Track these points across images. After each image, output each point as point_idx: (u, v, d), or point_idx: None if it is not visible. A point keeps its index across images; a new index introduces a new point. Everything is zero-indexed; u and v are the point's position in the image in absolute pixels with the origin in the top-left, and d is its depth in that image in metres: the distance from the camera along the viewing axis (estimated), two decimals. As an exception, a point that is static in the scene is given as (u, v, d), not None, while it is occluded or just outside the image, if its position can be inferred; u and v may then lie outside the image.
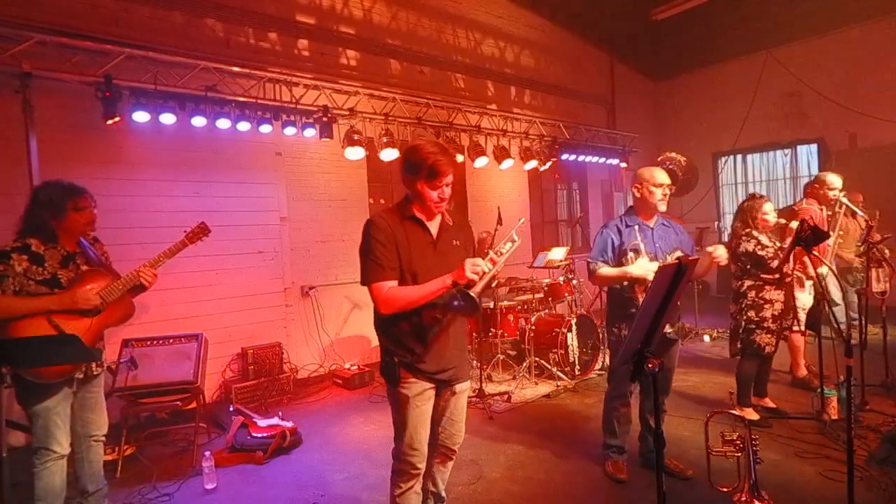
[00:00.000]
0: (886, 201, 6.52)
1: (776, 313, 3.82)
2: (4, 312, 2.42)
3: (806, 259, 3.84)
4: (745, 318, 3.86)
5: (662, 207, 3.15)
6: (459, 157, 6.19)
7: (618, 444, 3.35)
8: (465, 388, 2.44)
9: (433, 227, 2.29)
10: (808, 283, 4.36)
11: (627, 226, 3.15)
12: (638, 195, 3.16)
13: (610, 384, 3.41)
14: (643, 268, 2.95)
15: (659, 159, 8.58)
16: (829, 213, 4.61)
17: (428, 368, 2.24)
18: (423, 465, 2.34)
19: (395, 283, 2.16)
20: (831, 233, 4.61)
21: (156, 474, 3.57)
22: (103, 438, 2.88)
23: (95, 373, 2.73)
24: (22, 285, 2.49)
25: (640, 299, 3.00)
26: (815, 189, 4.53)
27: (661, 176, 3.14)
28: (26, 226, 2.59)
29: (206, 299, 5.10)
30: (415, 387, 2.24)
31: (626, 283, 3.08)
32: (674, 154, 8.60)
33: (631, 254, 3.05)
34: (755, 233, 3.83)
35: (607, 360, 5.46)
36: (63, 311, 2.51)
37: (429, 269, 2.17)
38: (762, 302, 3.82)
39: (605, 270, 3.09)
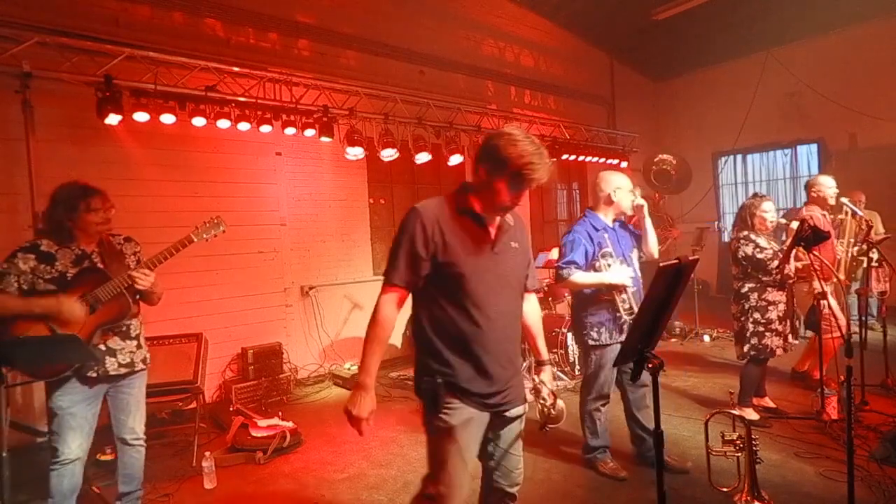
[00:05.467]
0: (886, 201, 6.53)
1: (780, 315, 3.81)
2: None
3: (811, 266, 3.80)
4: (750, 320, 3.83)
5: (630, 212, 3.30)
6: (459, 158, 6.19)
7: (603, 443, 3.38)
8: (519, 413, 2.02)
9: (492, 224, 1.95)
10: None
11: (596, 230, 3.21)
12: (615, 199, 3.24)
13: (587, 390, 3.36)
14: (620, 276, 3.09)
15: (654, 161, 8.60)
16: (832, 216, 4.56)
17: (477, 389, 1.87)
18: None
19: (405, 295, 1.89)
20: (841, 241, 4.58)
21: (156, 474, 3.57)
22: (137, 442, 2.82)
23: (114, 372, 2.65)
24: (31, 283, 2.52)
25: (619, 301, 3.12)
26: (812, 196, 4.47)
27: (629, 181, 3.30)
28: (46, 226, 2.67)
29: (206, 299, 5.10)
30: (459, 413, 1.86)
31: (602, 288, 3.16)
32: (666, 156, 8.64)
33: (602, 260, 3.13)
34: (752, 235, 3.82)
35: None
36: (46, 317, 2.48)
37: (481, 273, 1.86)
38: (766, 304, 3.80)
39: (579, 277, 3.12)
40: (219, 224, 2.92)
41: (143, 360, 2.81)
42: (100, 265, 2.68)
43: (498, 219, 1.96)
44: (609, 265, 3.14)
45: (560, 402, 2.13)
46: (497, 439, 2.01)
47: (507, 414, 1.98)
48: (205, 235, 2.88)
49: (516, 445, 2.05)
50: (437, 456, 1.91)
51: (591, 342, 3.23)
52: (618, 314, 3.15)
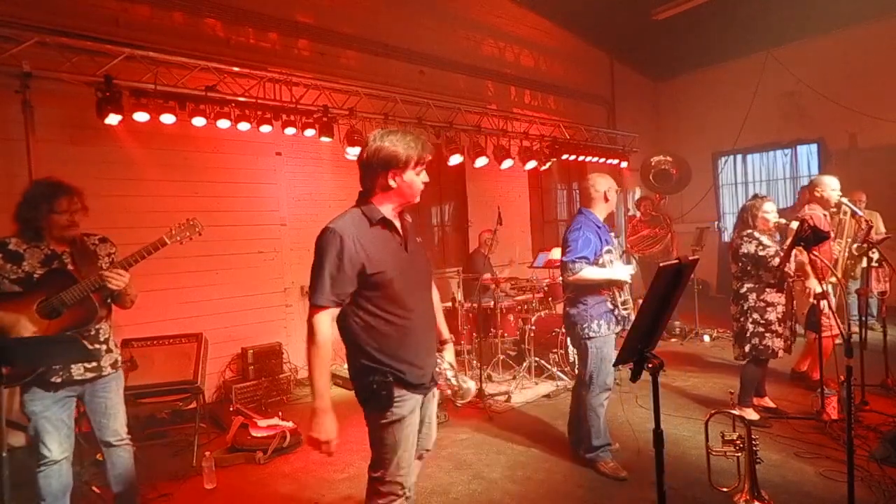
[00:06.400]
0: (887, 201, 6.53)
1: (780, 316, 3.81)
2: None
3: (808, 266, 3.83)
4: (750, 321, 3.83)
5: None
6: (459, 158, 6.20)
7: (605, 442, 3.41)
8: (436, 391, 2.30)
9: (401, 227, 2.10)
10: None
11: (599, 227, 3.37)
12: (610, 199, 3.43)
13: (588, 389, 3.36)
14: (625, 272, 3.30)
15: (652, 163, 8.62)
16: (833, 213, 4.55)
17: (417, 379, 2.04)
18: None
19: (336, 311, 1.97)
20: (839, 241, 4.58)
21: (156, 474, 3.57)
22: (121, 443, 2.77)
23: (79, 377, 2.58)
24: None
25: (617, 296, 3.29)
26: (814, 195, 4.45)
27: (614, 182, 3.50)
28: (16, 224, 2.55)
29: (206, 299, 5.11)
30: (408, 403, 2.02)
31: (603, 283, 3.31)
32: (661, 157, 8.66)
33: (605, 256, 3.30)
34: (756, 233, 3.82)
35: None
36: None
37: (403, 275, 2.01)
38: (764, 305, 3.80)
39: (588, 272, 3.21)
40: (194, 226, 2.76)
41: (113, 364, 2.72)
42: (70, 266, 2.58)
43: (401, 221, 2.13)
44: (611, 261, 3.32)
45: (468, 381, 2.29)
46: (424, 414, 2.22)
47: (429, 392, 2.22)
48: (178, 238, 2.73)
49: (434, 415, 2.33)
50: (386, 444, 2.02)
51: (591, 334, 3.30)
52: (615, 308, 3.30)
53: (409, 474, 2.10)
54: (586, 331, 3.30)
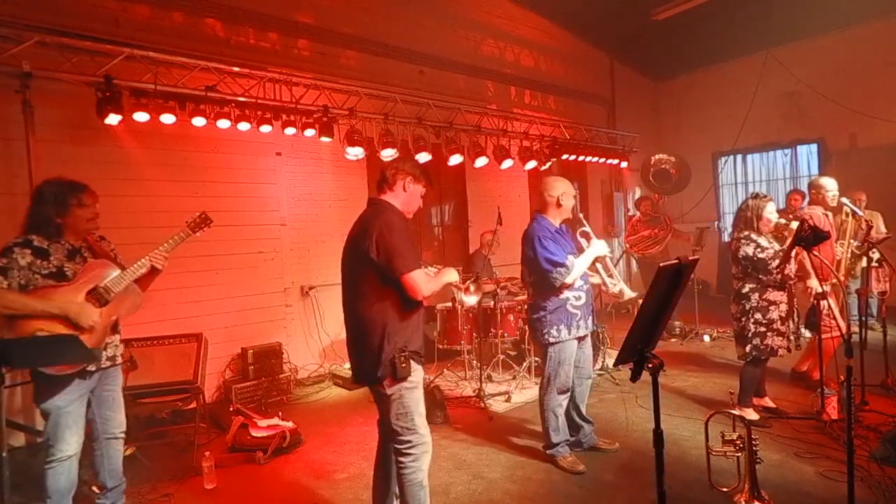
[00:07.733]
0: (887, 201, 6.53)
1: (783, 315, 3.81)
2: (9, 307, 2.41)
3: (808, 265, 3.83)
4: (752, 321, 3.82)
5: (570, 214, 3.57)
6: (459, 158, 6.20)
7: (564, 438, 3.49)
8: None
9: None
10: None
11: (553, 231, 3.41)
12: (563, 204, 3.45)
13: (549, 388, 3.44)
14: (601, 247, 3.42)
15: (652, 161, 8.63)
16: (834, 215, 4.57)
17: (422, 352, 2.53)
18: None
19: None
20: (842, 242, 4.59)
21: (156, 474, 3.57)
22: (122, 436, 2.86)
23: (104, 365, 2.69)
24: (28, 279, 2.48)
25: (574, 299, 3.35)
26: (814, 196, 4.51)
27: (571, 187, 3.54)
28: (30, 223, 2.60)
29: (206, 299, 5.10)
30: (419, 372, 2.48)
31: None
32: (663, 155, 8.67)
33: (570, 257, 3.33)
34: (753, 235, 3.81)
35: (607, 361, 5.47)
36: (64, 319, 2.46)
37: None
38: (767, 304, 3.79)
39: (574, 273, 3.29)
40: (206, 218, 2.95)
41: (121, 354, 2.85)
42: (90, 259, 2.67)
43: None
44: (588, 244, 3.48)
45: None
46: None
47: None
48: (198, 234, 2.91)
49: None
50: (409, 407, 2.41)
51: (551, 339, 3.37)
52: (573, 311, 3.36)
53: (427, 431, 2.48)
54: (546, 336, 3.38)
